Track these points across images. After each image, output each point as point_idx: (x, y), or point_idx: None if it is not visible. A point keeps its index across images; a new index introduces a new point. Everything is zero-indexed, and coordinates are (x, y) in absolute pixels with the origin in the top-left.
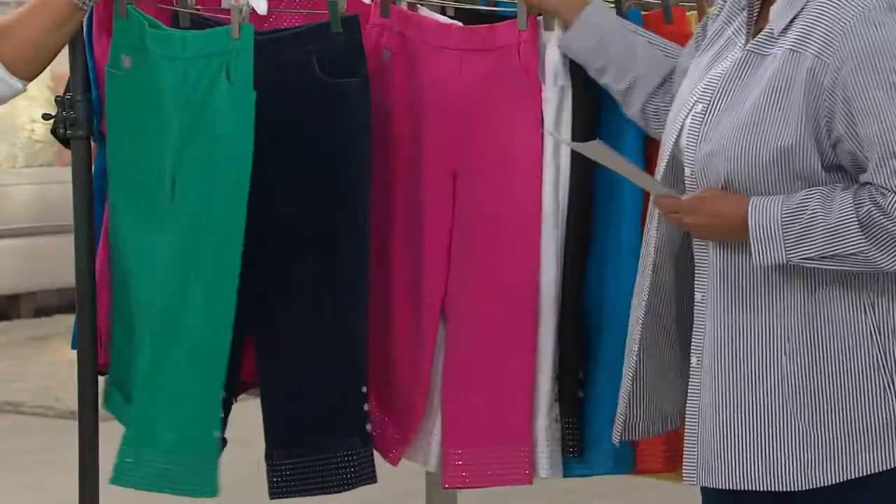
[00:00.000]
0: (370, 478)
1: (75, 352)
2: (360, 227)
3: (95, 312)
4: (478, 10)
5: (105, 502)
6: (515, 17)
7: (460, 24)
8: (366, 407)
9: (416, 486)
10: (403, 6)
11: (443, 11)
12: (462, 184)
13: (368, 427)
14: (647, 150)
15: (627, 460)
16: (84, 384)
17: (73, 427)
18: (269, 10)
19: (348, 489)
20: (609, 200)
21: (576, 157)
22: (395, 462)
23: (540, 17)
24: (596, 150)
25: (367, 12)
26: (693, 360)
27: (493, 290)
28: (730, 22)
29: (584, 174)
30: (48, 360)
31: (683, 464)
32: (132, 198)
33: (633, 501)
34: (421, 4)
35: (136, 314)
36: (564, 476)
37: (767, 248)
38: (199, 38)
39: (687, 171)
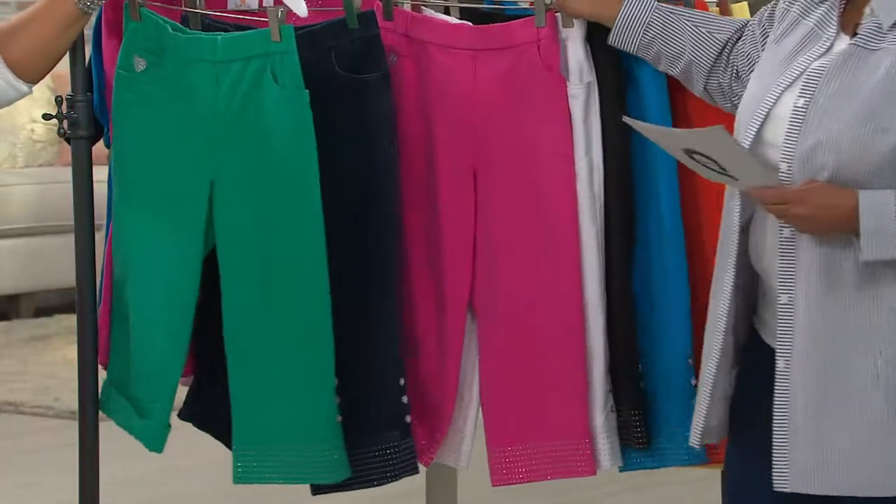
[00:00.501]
0: (412, 469)
1: (75, 352)
2: (391, 220)
3: (96, 312)
4: (483, 9)
5: (105, 502)
6: (525, 15)
7: (470, 24)
8: (405, 399)
9: (416, 486)
10: (407, 7)
11: (447, 12)
12: (483, 182)
13: (408, 419)
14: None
15: (700, 452)
16: (84, 384)
17: (73, 427)
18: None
19: (390, 481)
20: (646, 189)
21: (609, 149)
22: (427, 463)
23: (558, 14)
24: (715, 137)
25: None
26: (781, 362)
27: (530, 286)
28: (807, 13)
29: (621, 165)
30: (48, 360)
31: (773, 468)
32: (144, 200)
33: (647, 499)
34: (424, 5)
35: (142, 316)
36: (634, 469)
37: (878, 242)
38: (233, 40)
39: (783, 166)
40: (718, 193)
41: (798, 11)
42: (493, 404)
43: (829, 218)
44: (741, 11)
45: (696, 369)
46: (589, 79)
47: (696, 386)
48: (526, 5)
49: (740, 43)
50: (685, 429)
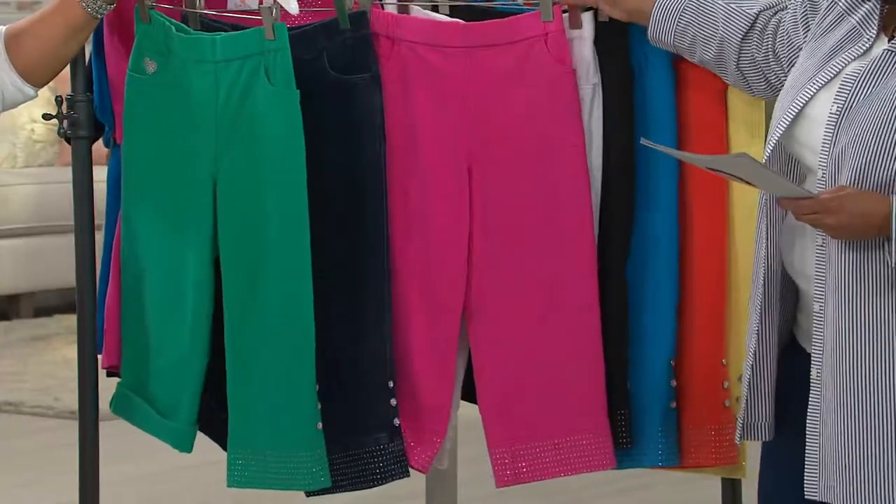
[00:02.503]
0: (401, 472)
1: (75, 352)
2: (377, 221)
3: (95, 312)
4: (478, 7)
5: (105, 502)
6: (516, 12)
7: (461, 21)
8: (393, 402)
9: (416, 486)
10: (392, 9)
11: (435, 10)
12: (480, 180)
13: (397, 422)
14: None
15: (672, 454)
16: (84, 384)
17: (73, 427)
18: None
19: (379, 484)
20: (646, 191)
21: (613, 150)
22: (426, 468)
23: (565, 14)
24: (741, 163)
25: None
26: (813, 372)
27: (538, 282)
28: (852, 10)
29: (624, 166)
30: (48, 360)
31: (805, 478)
32: (155, 202)
33: (637, 501)
34: (413, 4)
35: (159, 315)
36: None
37: None
38: (231, 40)
39: (819, 172)
40: (720, 200)
41: (844, 6)
42: (496, 406)
43: (862, 226)
44: None
45: (676, 371)
46: (594, 80)
47: (675, 387)
48: (518, 3)
49: (779, 17)
50: (660, 429)
